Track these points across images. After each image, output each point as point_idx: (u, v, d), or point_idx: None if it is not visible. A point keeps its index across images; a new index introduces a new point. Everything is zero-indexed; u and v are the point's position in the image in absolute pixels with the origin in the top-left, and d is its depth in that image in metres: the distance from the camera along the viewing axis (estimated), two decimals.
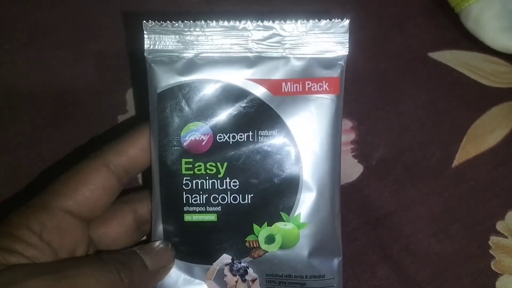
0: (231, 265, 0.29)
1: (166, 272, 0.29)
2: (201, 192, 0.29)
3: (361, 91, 0.41)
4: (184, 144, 0.29)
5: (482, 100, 0.41)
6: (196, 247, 0.29)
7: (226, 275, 0.29)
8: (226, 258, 0.29)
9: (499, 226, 0.36)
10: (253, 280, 0.30)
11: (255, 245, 0.29)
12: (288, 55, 0.29)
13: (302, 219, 0.29)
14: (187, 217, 0.29)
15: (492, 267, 0.35)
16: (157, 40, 0.29)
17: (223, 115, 0.29)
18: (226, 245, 0.29)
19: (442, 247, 0.35)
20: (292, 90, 0.29)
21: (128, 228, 0.30)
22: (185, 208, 0.29)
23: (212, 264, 0.30)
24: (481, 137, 0.39)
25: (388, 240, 0.36)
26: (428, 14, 0.44)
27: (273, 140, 0.29)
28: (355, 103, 0.40)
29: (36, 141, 0.38)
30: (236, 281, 0.29)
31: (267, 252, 0.29)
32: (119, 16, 0.43)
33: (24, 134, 0.38)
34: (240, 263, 0.29)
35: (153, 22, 0.29)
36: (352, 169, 0.38)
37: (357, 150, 0.39)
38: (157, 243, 0.29)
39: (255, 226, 0.29)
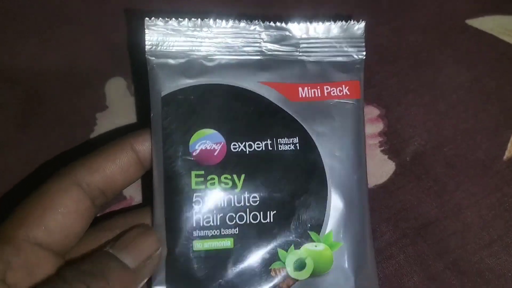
0: None
1: (154, 263, 0.26)
2: (214, 212, 0.27)
3: (388, 71, 0.38)
4: (194, 154, 0.27)
5: None
6: (207, 283, 0.27)
7: None
8: None
9: None
10: None
11: (282, 274, 0.27)
12: (303, 58, 0.30)
13: (334, 237, 0.28)
14: (197, 245, 0.27)
15: None
16: (161, 39, 0.28)
17: (236, 122, 0.28)
18: (246, 277, 0.27)
19: (497, 261, 0.33)
20: (310, 96, 0.29)
21: None
22: (195, 233, 0.27)
23: None
24: None
25: (431, 256, 0.33)
26: None
27: (295, 149, 0.28)
28: (381, 85, 0.37)
29: None
30: None
31: (297, 280, 0.27)
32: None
33: None
34: None
35: (156, 19, 0.28)
36: (382, 168, 0.35)
37: (387, 143, 0.36)
38: (132, 230, 0.27)
39: (280, 251, 0.27)
